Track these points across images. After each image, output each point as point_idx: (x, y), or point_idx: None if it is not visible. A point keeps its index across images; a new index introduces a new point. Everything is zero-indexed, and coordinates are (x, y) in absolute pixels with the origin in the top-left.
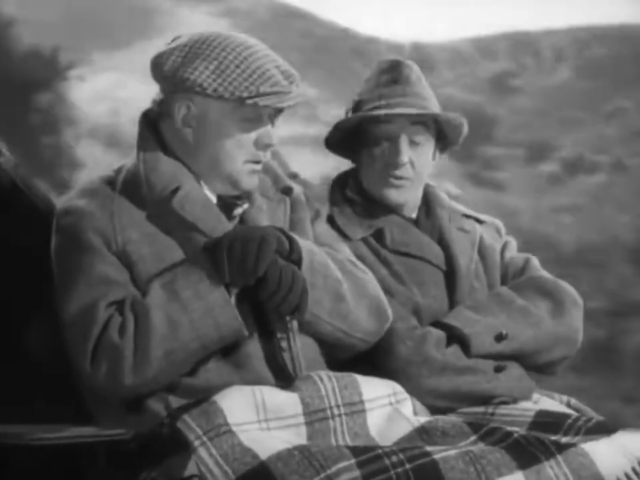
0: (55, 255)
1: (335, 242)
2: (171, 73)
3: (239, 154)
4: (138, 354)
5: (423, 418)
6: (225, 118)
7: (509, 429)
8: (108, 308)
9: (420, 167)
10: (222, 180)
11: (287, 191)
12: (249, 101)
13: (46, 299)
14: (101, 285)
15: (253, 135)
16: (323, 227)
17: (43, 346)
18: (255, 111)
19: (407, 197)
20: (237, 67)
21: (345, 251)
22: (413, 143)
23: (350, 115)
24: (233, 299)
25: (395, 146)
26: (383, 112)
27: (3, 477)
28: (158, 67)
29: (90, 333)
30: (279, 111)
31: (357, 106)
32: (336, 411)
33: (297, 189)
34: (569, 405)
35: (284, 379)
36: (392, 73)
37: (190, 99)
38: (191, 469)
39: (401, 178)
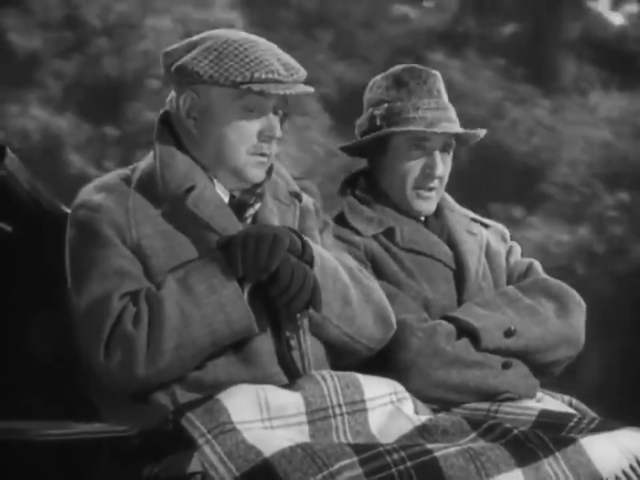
0: (69, 247)
1: (342, 253)
2: (175, 66)
3: (242, 145)
4: (151, 345)
5: (424, 416)
6: (227, 108)
7: (508, 425)
8: (122, 299)
9: (445, 177)
10: (229, 173)
11: (297, 196)
12: (243, 87)
13: (51, 298)
14: (115, 277)
15: (256, 126)
16: (330, 239)
17: (48, 344)
18: (256, 101)
19: (434, 207)
20: (236, 56)
21: (353, 261)
22: (443, 155)
23: (379, 121)
24: (245, 295)
25: (430, 160)
26: (429, 129)
27: (8, 472)
28: (164, 63)
29: (104, 324)
30: (284, 102)
31: (388, 113)
32: (338, 410)
33: (307, 199)
34: (570, 405)
35: (293, 376)
36: (425, 85)
37: (193, 90)
38: (194, 465)
39: (431, 189)
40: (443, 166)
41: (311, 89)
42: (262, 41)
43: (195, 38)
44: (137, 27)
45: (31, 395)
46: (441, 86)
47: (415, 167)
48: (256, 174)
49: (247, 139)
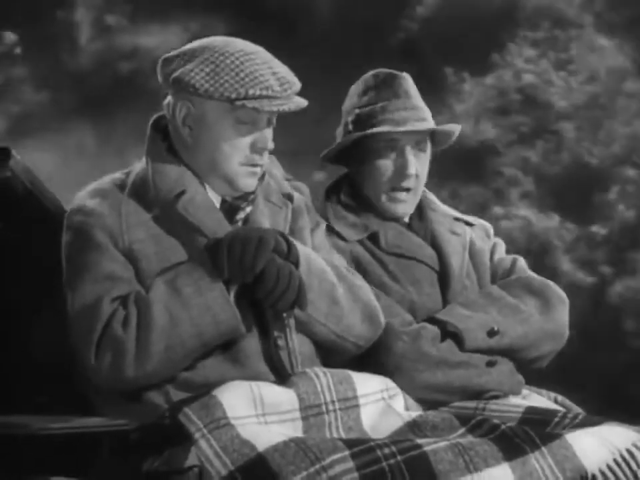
0: (64, 251)
1: (332, 252)
2: (172, 77)
3: (234, 156)
4: (139, 347)
5: (414, 412)
6: (221, 120)
7: (496, 421)
8: (112, 302)
9: (422, 175)
10: (221, 180)
11: (289, 197)
12: (238, 103)
13: (53, 297)
14: (107, 282)
15: (249, 139)
16: (321, 238)
17: (49, 343)
18: (250, 114)
19: (411, 209)
20: (232, 70)
21: (342, 260)
22: (416, 154)
23: (351, 127)
24: (231, 297)
25: (402, 158)
26: (395, 129)
27: (11, 465)
28: (162, 70)
29: (94, 326)
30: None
31: (358, 119)
32: (331, 406)
33: (298, 198)
34: (556, 402)
35: (281, 375)
36: (391, 87)
37: (190, 100)
38: (191, 459)
39: (406, 189)
40: (417, 164)
41: (304, 103)
42: (259, 53)
43: (194, 46)
44: None
45: (34, 392)
46: (409, 87)
47: (388, 167)
48: (248, 183)
49: (239, 151)
